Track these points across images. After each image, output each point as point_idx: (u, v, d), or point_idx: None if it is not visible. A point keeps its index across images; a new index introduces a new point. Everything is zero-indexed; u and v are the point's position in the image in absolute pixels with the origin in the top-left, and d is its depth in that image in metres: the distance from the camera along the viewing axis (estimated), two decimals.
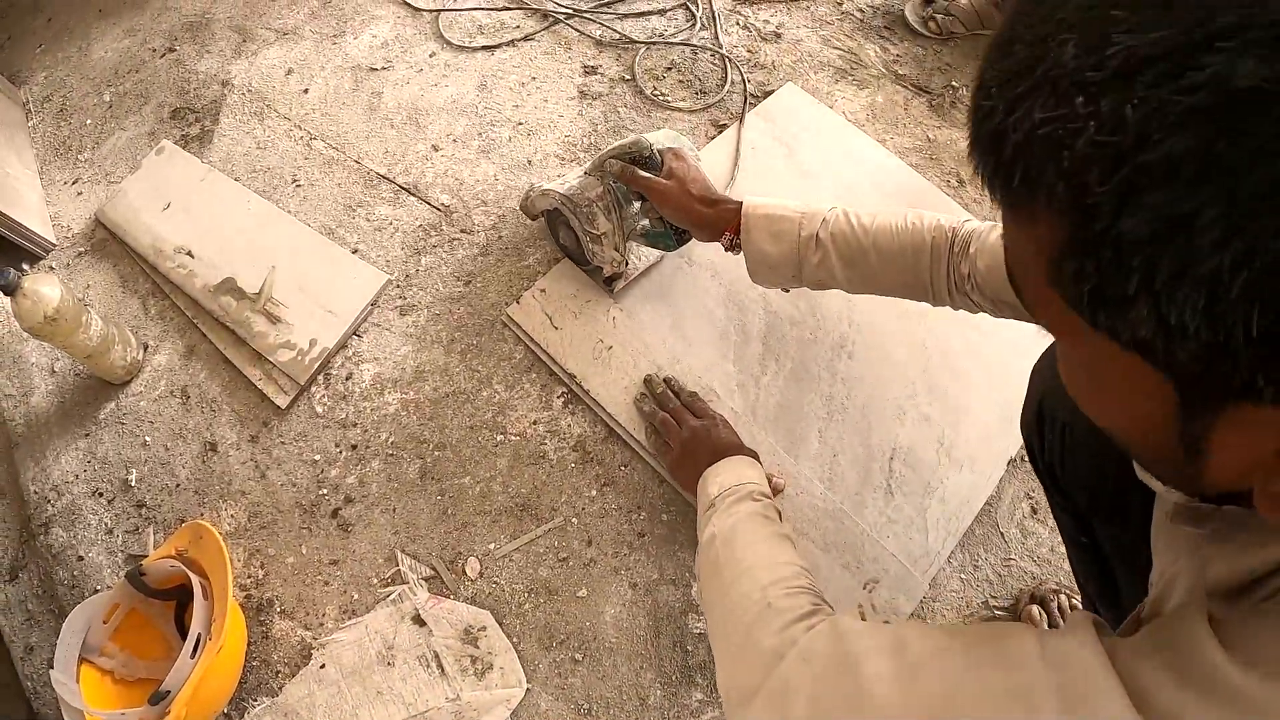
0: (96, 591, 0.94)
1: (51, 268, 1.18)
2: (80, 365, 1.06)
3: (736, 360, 1.04)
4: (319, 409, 1.03)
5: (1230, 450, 0.29)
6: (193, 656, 0.78)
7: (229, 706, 0.88)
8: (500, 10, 1.42)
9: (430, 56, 1.36)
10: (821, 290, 0.86)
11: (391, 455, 1.00)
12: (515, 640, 0.90)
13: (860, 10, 1.47)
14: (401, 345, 1.07)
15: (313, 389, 1.04)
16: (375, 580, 0.93)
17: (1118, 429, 0.35)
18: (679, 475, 0.91)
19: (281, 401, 1.02)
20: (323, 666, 0.89)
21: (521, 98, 1.30)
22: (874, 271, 0.80)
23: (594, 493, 0.97)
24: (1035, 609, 0.93)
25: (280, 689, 0.88)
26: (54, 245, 1.19)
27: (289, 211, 1.17)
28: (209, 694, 0.84)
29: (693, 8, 1.41)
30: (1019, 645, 0.38)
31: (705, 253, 1.10)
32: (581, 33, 1.39)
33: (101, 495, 1.00)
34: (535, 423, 1.01)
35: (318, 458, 1.00)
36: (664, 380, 1.00)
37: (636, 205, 0.97)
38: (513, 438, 1.00)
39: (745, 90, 1.31)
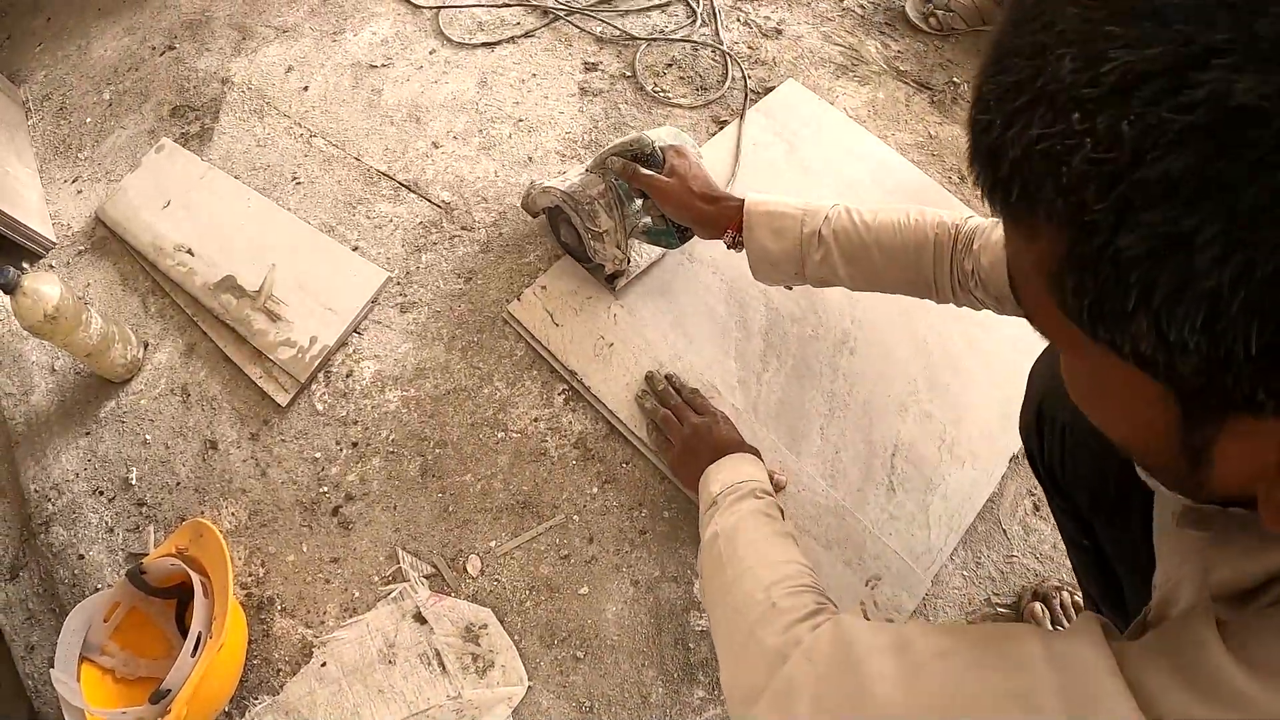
0: (97, 590, 0.93)
1: (51, 266, 1.18)
2: (80, 364, 1.06)
3: (738, 357, 1.04)
4: (319, 407, 1.02)
5: (1233, 460, 0.29)
6: (193, 655, 0.78)
7: (230, 705, 0.88)
8: (500, 7, 1.41)
9: (430, 53, 1.36)
10: (824, 288, 0.86)
11: (392, 453, 0.99)
12: (517, 638, 0.90)
13: (861, 6, 1.47)
14: (402, 343, 1.07)
15: (313, 387, 1.04)
16: (376, 578, 0.93)
17: (1120, 437, 0.35)
18: (680, 472, 0.91)
19: (282, 399, 1.02)
20: (324, 665, 0.89)
21: (522, 94, 1.30)
22: (876, 269, 0.79)
23: (595, 490, 0.97)
24: (1038, 606, 0.93)
25: (281, 687, 0.88)
26: (54, 244, 1.19)
27: (289, 209, 1.17)
28: (210, 692, 0.83)
29: (694, 4, 1.41)
30: (1023, 647, 0.38)
31: (706, 249, 1.10)
32: (582, 29, 1.38)
33: (102, 494, 1.00)
34: (536, 420, 1.01)
35: (318, 455, 1.00)
36: (665, 377, 0.99)
37: (638, 203, 0.97)
38: (514, 435, 1.00)
39: (746, 86, 1.30)
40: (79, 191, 1.25)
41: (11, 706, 0.95)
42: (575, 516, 0.96)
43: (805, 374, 1.04)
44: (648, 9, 1.41)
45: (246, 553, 0.95)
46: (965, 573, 0.97)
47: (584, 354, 1.02)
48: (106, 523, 0.99)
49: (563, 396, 1.02)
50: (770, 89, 1.31)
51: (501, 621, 0.90)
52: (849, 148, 1.25)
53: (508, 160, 1.22)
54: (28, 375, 1.09)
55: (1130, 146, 0.23)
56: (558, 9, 1.40)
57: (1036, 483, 1.02)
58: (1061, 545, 0.99)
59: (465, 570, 0.93)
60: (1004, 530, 1.00)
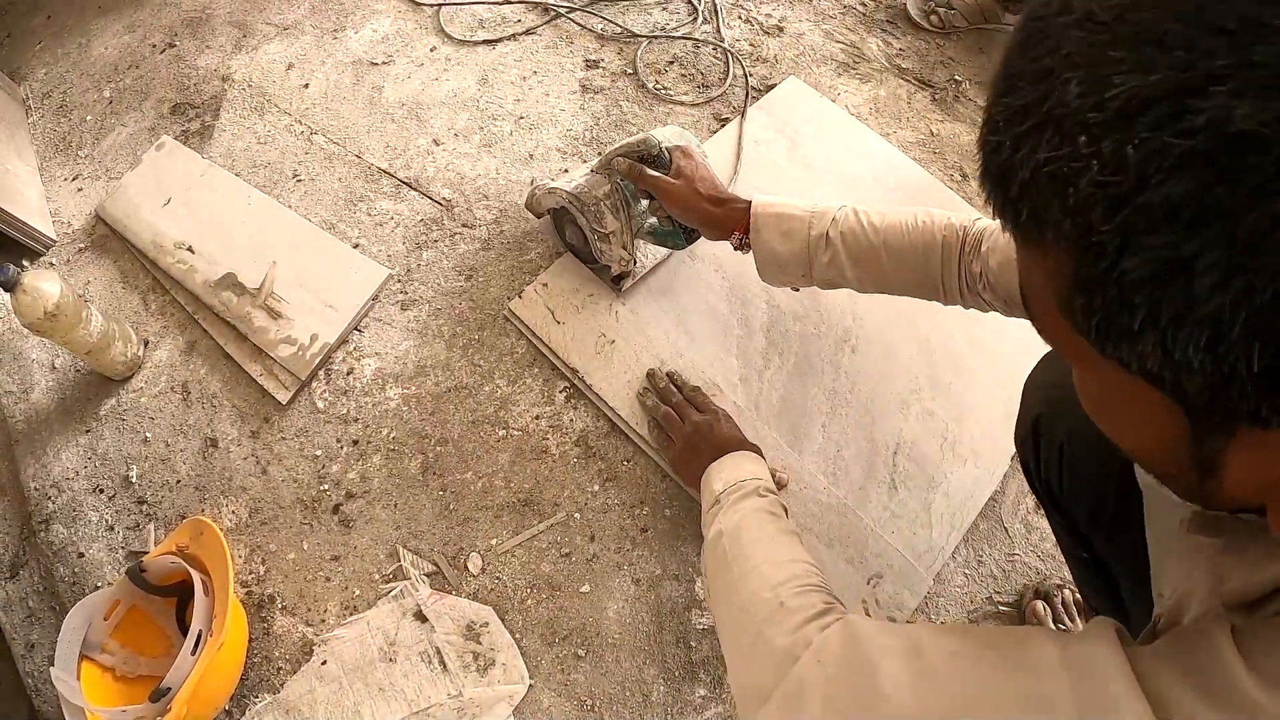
0: (97, 588, 0.93)
1: (52, 264, 1.17)
2: (80, 361, 1.06)
3: (740, 354, 1.04)
4: (320, 404, 1.02)
5: (1242, 471, 0.30)
6: (194, 653, 0.78)
7: (230, 703, 0.87)
8: (501, 4, 1.41)
9: (431, 51, 1.35)
10: (831, 289, 0.85)
11: (393, 450, 0.99)
12: (518, 636, 0.89)
13: (863, 4, 1.47)
14: (403, 340, 1.06)
15: (314, 384, 1.04)
16: (377, 576, 0.93)
17: (1131, 448, 0.36)
18: (682, 470, 0.91)
19: (282, 397, 1.02)
20: (324, 663, 0.88)
21: (523, 92, 1.30)
22: (884, 271, 0.79)
23: (596, 488, 0.97)
24: (1040, 604, 0.93)
25: (281, 685, 0.88)
26: (54, 241, 1.19)
27: (290, 206, 1.17)
28: (210, 691, 0.83)
29: (695, 1, 1.41)
30: (1038, 650, 0.38)
31: (708, 247, 1.10)
32: (583, 26, 1.38)
33: (102, 492, 1.00)
34: (537, 418, 1.00)
35: (319, 453, 0.99)
36: (667, 375, 0.99)
37: (644, 203, 0.96)
38: (515, 433, 1.00)
39: (747, 84, 1.30)
40: (79, 189, 1.24)
41: (12, 705, 0.95)
42: (576, 514, 0.95)
43: (807, 372, 1.03)
44: (649, 5, 1.40)
45: (247, 551, 0.95)
46: (967, 571, 0.97)
47: (585, 351, 1.02)
48: (107, 521, 0.98)
49: (564, 394, 1.02)
50: (772, 86, 1.30)
51: (502, 619, 0.90)
52: (850, 145, 1.25)
53: (509, 157, 1.22)
54: (28, 373, 1.08)
55: (1135, 171, 0.23)
56: (559, 6, 1.39)
57: None
58: (1055, 536, 0.99)
59: (466, 568, 0.93)
60: (1006, 528, 1.00)
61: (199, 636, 0.79)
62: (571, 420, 1.00)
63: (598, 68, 1.33)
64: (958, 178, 1.26)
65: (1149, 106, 0.23)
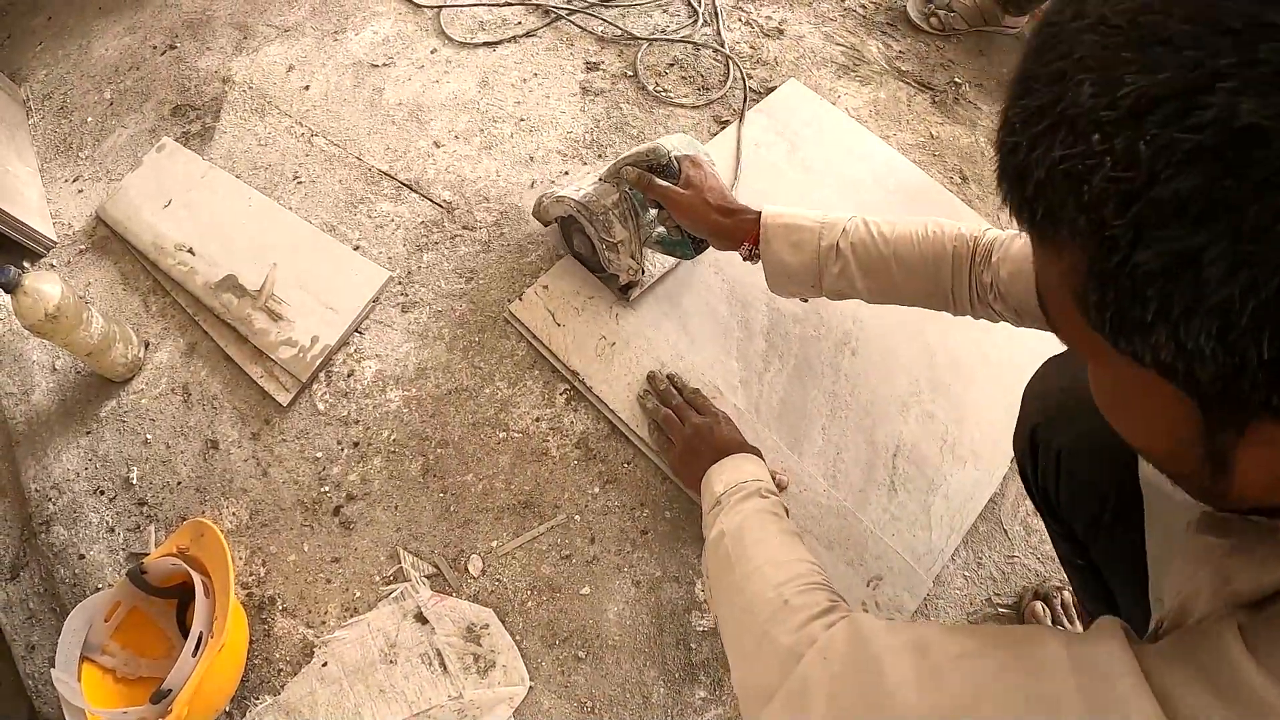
0: (98, 590, 0.93)
1: (52, 265, 1.17)
2: (81, 363, 1.06)
3: (740, 357, 1.04)
4: (321, 406, 1.02)
5: (1255, 467, 0.30)
6: (194, 655, 0.78)
7: (231, 705, 0.87)
8: (502, 6, 1.41)
9: (431, 53, 1.36)
10: (840, 300, 0.85)
11: (393, 452, 0.99)
12: (518, 638, 0.89)
13: (862, 6, 1.47)
14: (403, 342, 1.07)
15: (314, 386, 1.04)
16: (377, 578, 0.93)
17: (1144, 445, 0.36)
18: (682, 472, 0.91)
19: (283, 399, 1.02)
20: (325, 664, 0.89)
21: (523, 94, 1.30)
22: (895, 282, 0.78)
23: (597, 490, 0.97)
24: (1039, 605, 0.93)
25: (282, 687, 0.88)
26: (54, 243, 1.19)
27: (290, 208, 1.17)
28: (211, 692, 0.83)
29: (695, 3, 1.41)
30: (1045, 649, 0.38)
31: (709, 250, 1.10)
32: (583, 29, 1.38)
33: (103, 493, 1.00)
34: (538, 420, 1.01)
35: (319, 455, 0.99)
36: (667, 377, 0.99)
37: (653, 213, 0.96)
38: (515, 435, 1.00)
39: (745, 88, 1.30)
40: (80, 190, 1.24)
41: (12, 706, 0.95)
42: (577, 516, 0.95)
43: (807, 374, 1.04)
44: (648, 5, 1.41)
45: (247, 552, 0.95)
46: (967, 573, 0.97)
47: (586, 354, 1.02)
48: (107, 522, 0.98)
49: (564, 396, 1.02)
50: (772, 89, 1.31)
51: (503, 621, 0.90)
52: (850, 148, 1.25)
53: (509, 160, 1.22)
54: (28, 374, 1.08)
55: (1146, 167, 0.24)
56: (559, 8, 1.40)
57: None
58: (1052, 543, 1.00)
59: (467, 570, 0.93)
60: (1005, 530, 1.00)
61: (200, 638, 0.79)
62: (572, 422, 1.00)
63: (598, 70, 1.33)
64: (957, 180, 1.27)
65: (1158, 104, 0.24)
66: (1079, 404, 0.62)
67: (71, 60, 1.42)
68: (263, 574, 0.94)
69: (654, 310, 1.06)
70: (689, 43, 1.36)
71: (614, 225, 0.94)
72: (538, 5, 1.41)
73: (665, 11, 1.41)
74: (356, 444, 1.00)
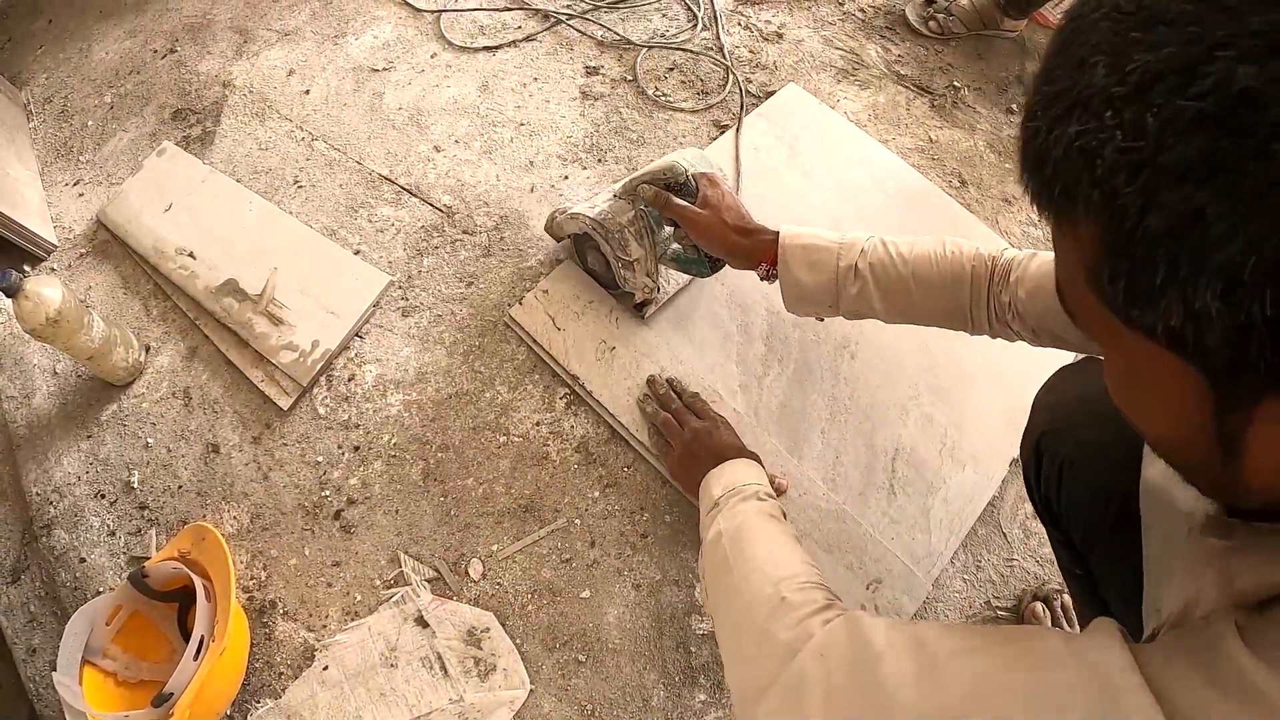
0: (99, 593, 0.93)
1: (53, 269, 1.18)
2: (82, 367, 1.06)
3: (739, 361, 1.04)
4: (321, 410, 1.03)
5: (1266, 448, 0.30)
6: (195, 658, 0.78)
7: (232, 708, 0.88)
8: (501, 11, 1.42)
9: (432, 57, 1.36)
10: (856, 320, 0.84)
11: (394, 457, 1.00)
12: (518, 641, 0.90)
13: (862, 10, 1.48)
14: (404, 346, 1.07)
15: (315, 390, 1.04)
16: (378, 582, 0.93)
17: (1157, 433, 0.37)
18: (681, 476, 0.91)
19: (284, 403, 1.02)
20: (325, 668, 0.89)
21: (523, 98, 1.30)
22: (913, 302, 0.79)
23: (597, 494, 0.97)
24: (1039, 606, 0.93)
25: (283, 691, 0.88)
26: (55, 246, 1.19)
27: (291, 212, 1.17)
28: (212, 696, 0.84)
29: (694, 8, 1.41)
30: (1045, 647, 0.39)
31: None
32: (583, 33, 1.39)
33: (104, 497, 1.00)
34: (538, 424, 1.01)
35: (320, 459, 1.00)
36: (667, 381, 1.00)
37: (668, 230, 0.95)
38: (515, 439, 1.00)
39: (742, 96, 1.31)
40: (80, 194, 1.25)
41: (13, 709, 0.95)
42: (577, 520, 0.96)
43: (806, 378, 1.04)
44: (647, 8, 1.41)
45: (248, 556, 0.95)
46: (966, 576, 0.97)
47: (586, 358, 1.02)
48: (108, 526, 0.99)
49: (564, 400, 1.02)
50: (771, 93, 1.31)
51: (503, 625, 0.90)
52: (850, 152, 1.26)
53: (509, 164, 1.23)
54: (29, 378, 1.09)
55: (1153, 136, 0.26)
56: (559, 13, 1.40)
57: None
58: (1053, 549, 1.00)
59: (467, 574, 0.93)
60: (1004, 534, 1.00)
61: (201, 642, 0.79)
62: (572, 427, 1.01)
63: (598, 74, 1.33)
64: (956, 184, 1.27)
65: (1162, 77, 0.26)
66: (1087, 415, 0.62)
67: (72, 64, 1.42)
68: (264, 578, 0.94)
69: (654, 315, 1.06)
70: (686, 51, 1.36)
71: (630, 243, 0.93)
72: (537, 10, 1.41)
73: (664, 16, 1.41)
74: (357, 448, 1.00)
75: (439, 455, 0.99)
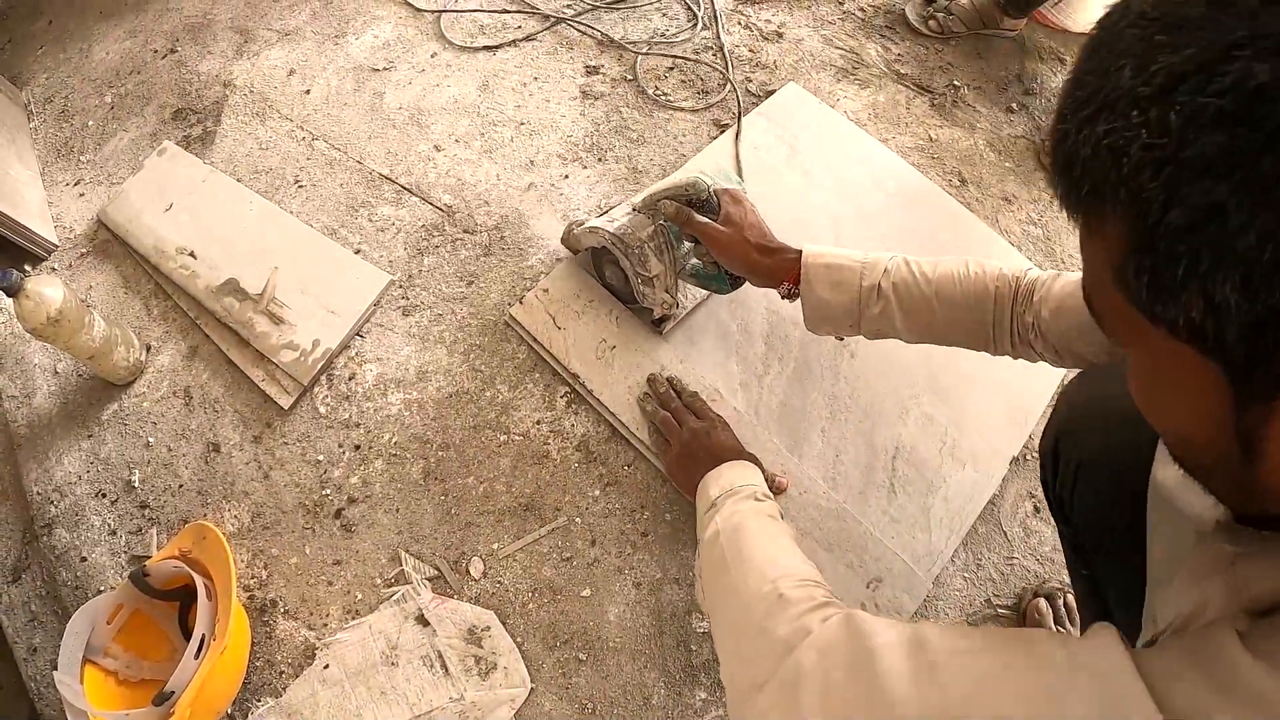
0: (100, 592, 0.93)
1: (53, 269, 1.18)
2: (83, 366, 1.06)
3: (740, 360, 1.04)
4: (322, 409, 1.03)
5: None
6: (196, 657, 0.78)
7: (233, 707, 0.88)
8: (501, 11, 1.42)
9: (432, 57, 1.36)
10: (877, 339, 0.84)
11: (395, 456, 1.00)
12: (519, 640, 0.90)
13: (862, 10, 1.48)
14: (404, 345, 1.07)
15: (315, 389, 1.04)
16: (379, 580, 0.93)
17: (1179, 434, 0.38)
18: (678, 475, 0.91)
19: (284, 402, 1.02)
20: (326, 667, 0.89)
21: (523, 98, 1.30)
22: (935, 321, 0.78)
23: (597, 492, 0.97)
24: (1042, 602, 0.93)
25: (284, 689, 0.88)
26: (56, 246, 1.19)
27: (291, 212, 1.17)
28: (213, 694, 0.84)
29: (694, 7, 1.41)
30: (1044, 649, 0.39)
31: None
32: (583, 33, 1.39)
33: (104, 496, 1.00)
34: (539, 423, 1.01)
35: (321, 458, 1.00)
36: (667, 380, 1.00)
37: (687, 245, 0.94)
38: (516, 438, 1.00)
39: (739, 103, 1.31)
40: (81, 194, 1.25)
41: (14, 709, 0.95)
42: (577, 519, 0.96)
43: (806, 377, 1.04)
44: (646, 9, 1.41)
45: (249, 555, 0.95)
46: (966, 574, 0.97)
47: (586, 357, 1.02)
48: (109, 525, 0.99)
49: (565, 399, 1.02)
50: (771, 92, 1.31)
51: (504, 624, 0.90)
52: (849, 151, 1.26)
53: (510, 163, 1.23)
54: (30, 377, 1.09)
55: (1176, 133, 0.27)
56: (559, 13, 1.40)
57: (1037, 485, 1.02)
58: (1060, 547, 1.00)
59: (468, 572, 0.93)
60: (1004, 532, 1.00)
61: (202, 640, 0.80)
62: (572, 425, 1.01)
63: (598, 74, 1.33)
64: (956, 183, 1.27)
65: (1185, 77, 0.27)
66: (1106, 416, 0.62)
67: (72, 64, 1.42)
68: (264, 576, 0.94)
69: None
70: (684, 59, 1.36)
71: (649, 259, 0.92)
72: (537, 10, 1.41)
73: (665, 15, 1.42)
74: (358, 447, 1.00)
75: (439, 454, 1.00)
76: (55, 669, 0.82)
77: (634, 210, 0.94)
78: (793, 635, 0.52)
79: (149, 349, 1.09)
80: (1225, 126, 0.26)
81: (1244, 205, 0.26)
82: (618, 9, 1.41)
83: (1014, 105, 1.39)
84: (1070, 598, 0.94)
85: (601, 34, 1.38)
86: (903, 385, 1.04)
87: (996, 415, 1.04)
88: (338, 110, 1.29)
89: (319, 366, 1.03)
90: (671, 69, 1.35)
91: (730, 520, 0.72)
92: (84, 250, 1.19)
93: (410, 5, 1.43)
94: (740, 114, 1.27)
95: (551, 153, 1.24)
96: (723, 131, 1.26)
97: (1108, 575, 0.67)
